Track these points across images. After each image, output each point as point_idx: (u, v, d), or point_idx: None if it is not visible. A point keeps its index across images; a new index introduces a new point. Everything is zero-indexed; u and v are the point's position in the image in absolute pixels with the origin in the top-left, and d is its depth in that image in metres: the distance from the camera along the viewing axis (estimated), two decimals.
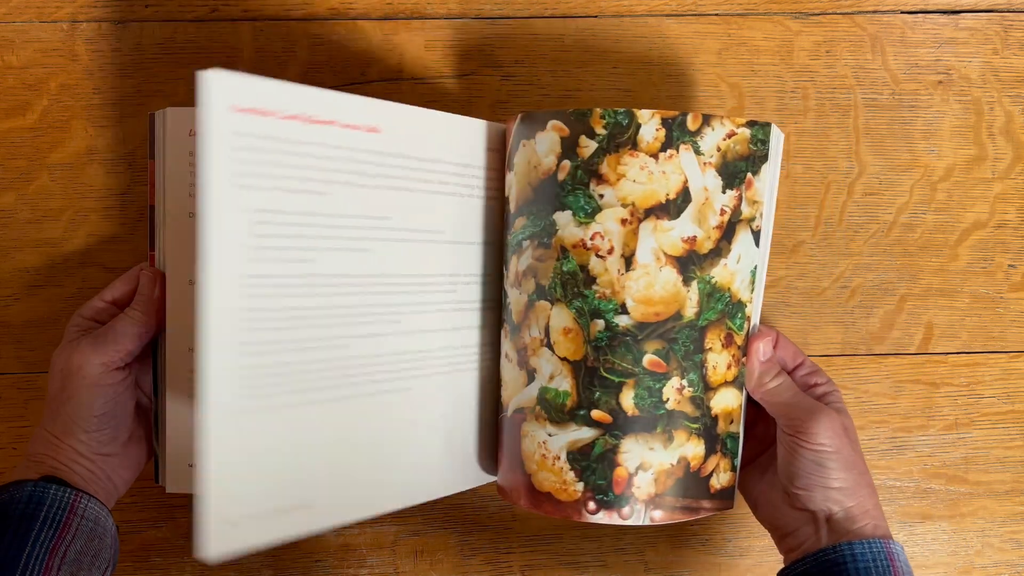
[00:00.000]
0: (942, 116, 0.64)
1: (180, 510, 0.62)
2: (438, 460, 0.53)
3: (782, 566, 0.51)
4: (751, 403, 0.54)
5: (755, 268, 0.52)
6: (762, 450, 0.55)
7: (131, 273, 0.55)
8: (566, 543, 0.63)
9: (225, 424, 0.42)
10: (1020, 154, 0.64)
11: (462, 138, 0.52)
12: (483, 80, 0.62)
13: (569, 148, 0.49)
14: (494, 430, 0.57)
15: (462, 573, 0.63)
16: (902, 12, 0.63)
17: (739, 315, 0.51)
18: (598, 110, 0.49)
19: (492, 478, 0.56)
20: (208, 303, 0.41)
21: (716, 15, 0.63)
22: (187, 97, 0.61)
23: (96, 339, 0.51)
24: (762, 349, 0.52)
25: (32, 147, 0.60)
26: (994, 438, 0.65)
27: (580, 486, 0.50)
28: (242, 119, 0.41)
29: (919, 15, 0.63)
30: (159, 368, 0.55)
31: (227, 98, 0.41)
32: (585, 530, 0.63)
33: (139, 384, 0.55)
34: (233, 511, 0.43)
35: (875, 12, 0.63)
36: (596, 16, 0.62)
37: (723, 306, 0.51)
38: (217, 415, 0.42)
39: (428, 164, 0.50)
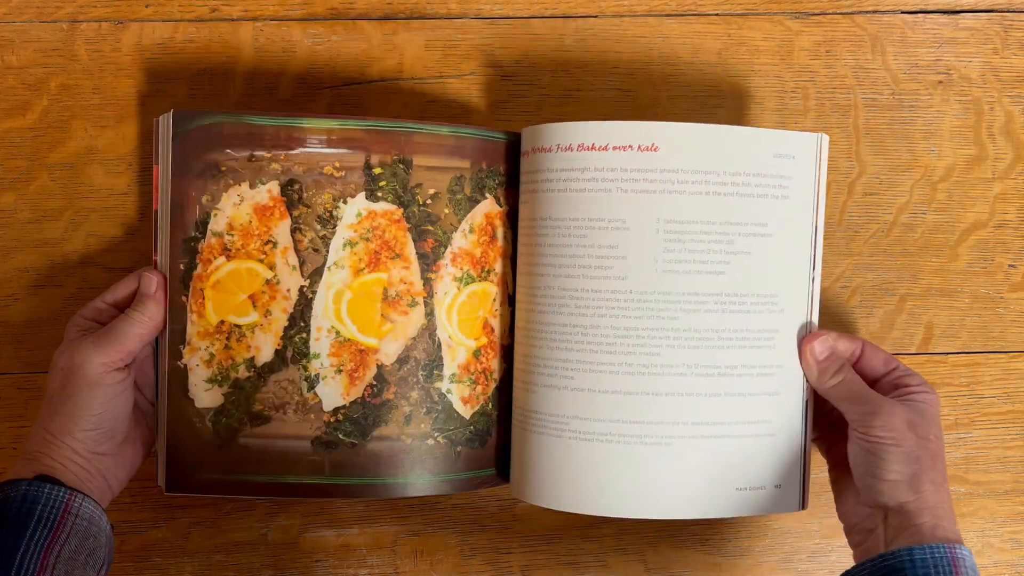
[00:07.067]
0: (942, 116, 0.64)
1: (180, 510, 0.62)
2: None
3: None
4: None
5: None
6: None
7: (132, 276, 0.55)
8: (566, 543, 0.63)
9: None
10: (1020, 154, 0.64)
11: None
12: (483, 80, 0.62)
13: None
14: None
15: (462, 573, 0.63)
16: (902, 12, 0.63)
17: None
18: None
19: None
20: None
21: (716, 15, 0.63)
22: (187, 98, 0.61)
23: (98, 339, 0.51)
24: (817, 349, 0.54)
25: (32, 147, 0.60)
26: (994, 438, 0.65)
27: None
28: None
29: (919, 15, 0.63)
30: (160, 370, 0.55)
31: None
32: (585, 530, 0.63)
33: (137, 385, 0.55)
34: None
35: (875, 12, 0.63)
36: (596, 16, 0.62)
37: None
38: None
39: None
